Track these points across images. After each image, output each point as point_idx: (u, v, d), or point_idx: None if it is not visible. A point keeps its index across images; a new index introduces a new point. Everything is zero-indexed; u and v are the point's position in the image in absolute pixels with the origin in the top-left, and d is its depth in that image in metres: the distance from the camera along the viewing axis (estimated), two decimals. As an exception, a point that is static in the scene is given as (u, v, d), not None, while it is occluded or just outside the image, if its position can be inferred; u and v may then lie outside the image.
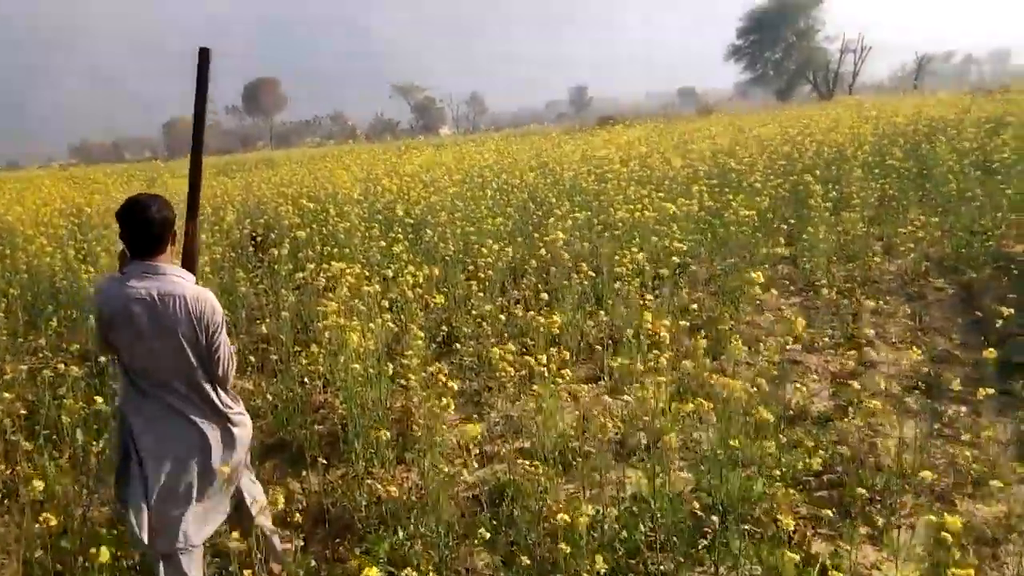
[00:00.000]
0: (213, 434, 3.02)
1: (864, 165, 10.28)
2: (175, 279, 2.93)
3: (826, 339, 6.19)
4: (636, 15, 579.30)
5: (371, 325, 5.02)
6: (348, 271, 5.44)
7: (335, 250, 7.53)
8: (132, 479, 2.96)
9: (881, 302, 6.86)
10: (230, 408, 3.11)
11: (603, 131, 23.14)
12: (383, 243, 7.59)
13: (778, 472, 4.02)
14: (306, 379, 5.55)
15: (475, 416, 5.43)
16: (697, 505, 3.78)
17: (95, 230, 9.39)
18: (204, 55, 3.22)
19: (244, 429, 3.17)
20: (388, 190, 10.17)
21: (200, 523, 3.04)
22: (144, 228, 2.89)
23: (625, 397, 5.56)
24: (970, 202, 8.72)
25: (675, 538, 3.66)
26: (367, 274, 5.91)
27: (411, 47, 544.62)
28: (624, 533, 3.72)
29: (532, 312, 5.86)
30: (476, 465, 4.81)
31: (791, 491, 3.71)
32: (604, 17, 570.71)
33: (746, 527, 3.74)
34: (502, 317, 6.51)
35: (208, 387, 3.01)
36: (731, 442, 3.96)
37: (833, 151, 11.64)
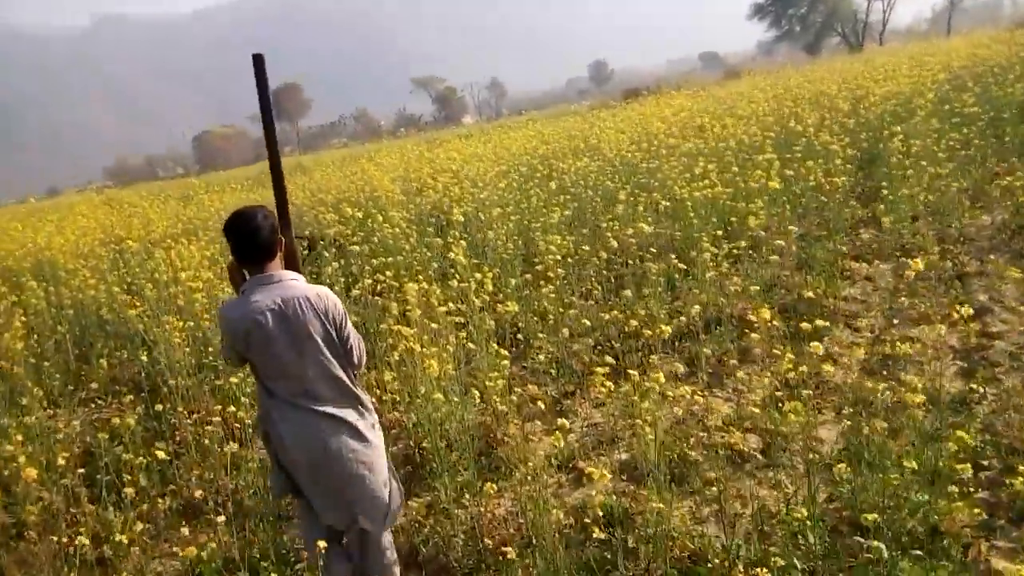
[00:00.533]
0: (359, 421, 3.10)
1: (935, 115, 9.53)
2: (292, 283, 3.02)
3: (933, 309, 5.58)
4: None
5: (448, 347, 4.58)
6: (412, 286, 5.00)
7: (387, 258, 7.09)
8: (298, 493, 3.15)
9: (986, 263, 6.23)
10: (366, 400, 3.19)
11: (635, 104, 22.31)
12: (438, 246, 7.16)
13: (930, 475, 3.49)
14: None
15: (559, 425, 4.99)
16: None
17: (136, 257, 9.10)
18: (259, 62, 3.26)
19: (375, 418, 3.24)
20: (432, 187, 9.71)
21: (375, 500, 3.15)
22: (253, 238, 2.98)
23: (723, 392, 5.05)
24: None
25: (832, 564, 3.17)
26: (426, 284, 5.46)
27: (425, 37, 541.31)
28: (773, 560, 3.22)
29: (612, 309, 5.38)
30: (571, 484, 4.37)
31: (956, 498, 3.20)
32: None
33: (913, 548, 3.20)
34: (572, 313, 6.06)
35: (347, 380, 3.08)
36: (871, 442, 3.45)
37: (895, 103, 10.89)
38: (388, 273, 6.57)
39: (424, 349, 4.33)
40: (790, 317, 5.78)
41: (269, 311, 2.92)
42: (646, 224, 6.70)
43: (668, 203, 7.35)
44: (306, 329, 2.95)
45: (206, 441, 4.94)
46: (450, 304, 5.07)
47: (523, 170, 10.26)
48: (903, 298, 5.80)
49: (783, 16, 60.68)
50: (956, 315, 5.39)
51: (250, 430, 4.98)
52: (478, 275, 5.40)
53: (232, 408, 4.81)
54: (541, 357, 5.64)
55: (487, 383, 4.48)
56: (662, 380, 4.82)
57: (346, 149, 53.25)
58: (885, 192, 7.37)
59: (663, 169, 8.53)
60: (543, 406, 4.92)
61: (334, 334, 3.03)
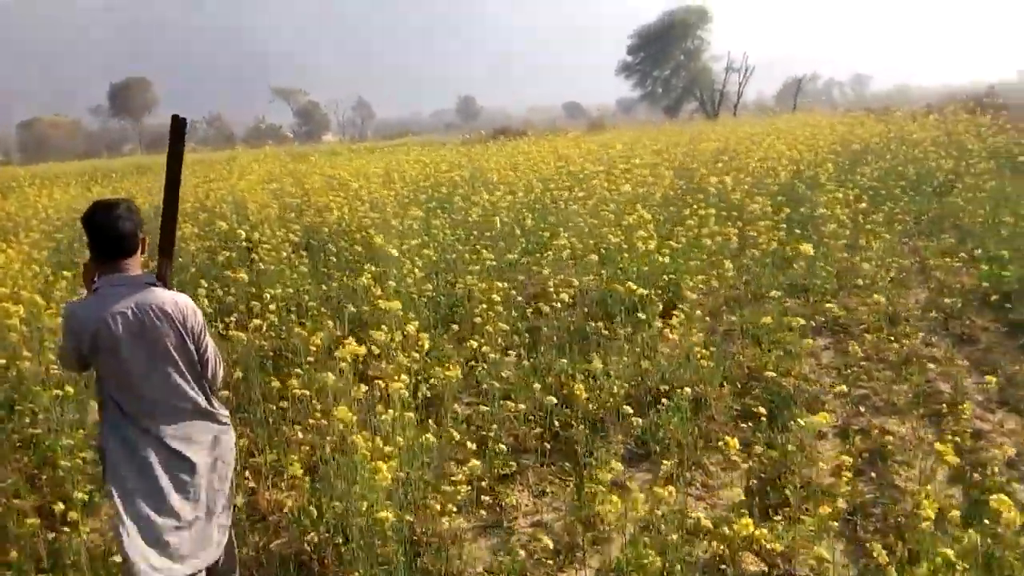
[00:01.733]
0: (201, 455, 2.89)
1: (841, 184, 9.53)
2: (149, 288, 2.83)
3: (898, 397, 5.13)
4: (522, 31, 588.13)
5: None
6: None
7: (273, 290, 5.81)
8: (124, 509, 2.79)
9: (929, 346, 5.93)
10: (220, 412, 3.01)
11: (516, 142, 21.87)
12: (346, 281, 5.99)
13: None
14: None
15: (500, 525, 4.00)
16: None
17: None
18: (178, 124, 2.97)
19: (231, 436, 3.07)
20: (314, 206, 8.47)
21: (196, 547, 2.87)
22: (111, 230, 2.78)
23: (693, 489, 4.26)
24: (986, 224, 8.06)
25: None
26: (332, 331, 4.36)
27: (290, 50, 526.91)
28: None
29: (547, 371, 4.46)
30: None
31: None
32: (490, 33, 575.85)
33: None
34: (503, 372, 5.14)
35: (201, 399, 2.91)
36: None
37: (792, 169, 10.92)
38: (272, 308, 5.36)
39: (363, 438, 3.22)
40: (743, 394, 5.17)
41: (120, 315, 2.73)
42: (581, 272, 5.90)
43: (602, 250, 6.63)
44: (161, 340, 2.79)
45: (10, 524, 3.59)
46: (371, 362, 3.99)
47: (425, 197, 9.26)
48: (861, 381, 5.34)
49: (648, 76, 63.67)
50: (923, 407, 5.01)
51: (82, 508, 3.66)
52: (409, 327, 4.33)
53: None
54: (462, 427, 4.64)
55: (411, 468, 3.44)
56: (619, 469, 4.03)
57: (196, 154, 49.61)
58: (814, 259, 7.04)
59: (590, 211, 7.82)
60: (470, 492, 3.93)
61: (191, 346, 2.86)
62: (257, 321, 5.00)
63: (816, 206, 8.30)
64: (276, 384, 4.52)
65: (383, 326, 4.32)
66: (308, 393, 4.26)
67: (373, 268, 5.88)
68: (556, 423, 4.73)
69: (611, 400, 4.90)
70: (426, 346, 4.42)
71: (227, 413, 3.07)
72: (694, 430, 4.61)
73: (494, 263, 6.44)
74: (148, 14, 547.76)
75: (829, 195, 8.57)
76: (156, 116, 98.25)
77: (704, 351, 5.13)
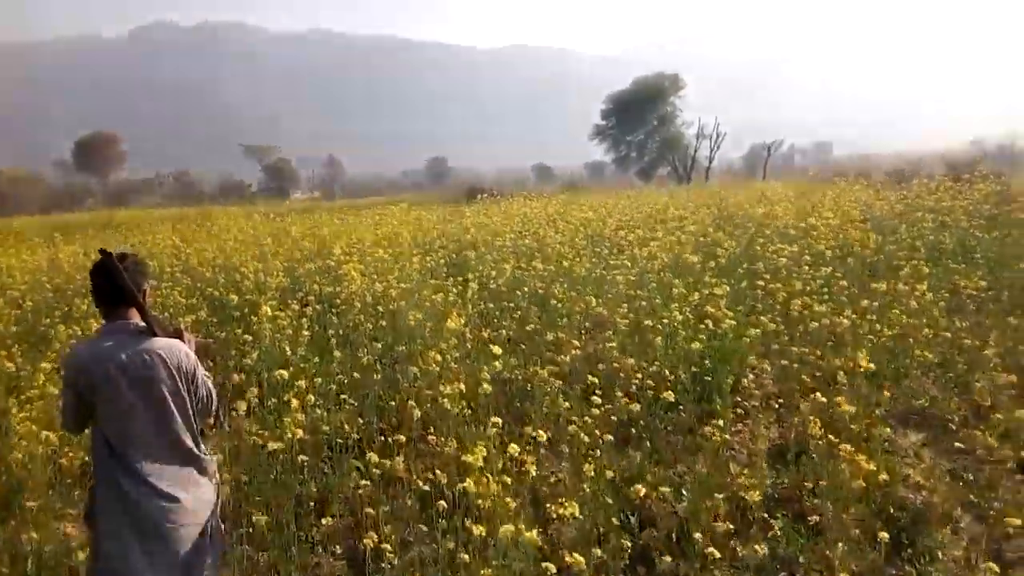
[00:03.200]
0: (185, 497, 2.93)
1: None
2: (147, 335, 2.92)
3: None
4: (498, 94, 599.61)
5: None
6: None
7: (288, 375, 4.90)
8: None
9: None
10: (206, 458, 3.07)
11: (507, 203, 21.30)
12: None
13: None
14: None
15: None
16: None
17: None
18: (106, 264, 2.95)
19: (215, 482, 3.11)
20: (316, 274, 7.59)
21: None
22: (113, 278, 2.88)
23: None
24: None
25: None
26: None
27: (258, 110, 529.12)
28: None
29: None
30: None
31: None
32: (467, 94, 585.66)
33: None
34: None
35: (192, 446, 3.00)
36: None
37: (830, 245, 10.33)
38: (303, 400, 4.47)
39: None
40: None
41: (118, 359, 2.84)
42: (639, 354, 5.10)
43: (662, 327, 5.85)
44: (158, 388, 2.88)
45: None
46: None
47: (437, 261, 8.45)
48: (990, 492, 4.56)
49: (621, 141, 64.48)
50: None
51: None
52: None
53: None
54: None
55: None
56: None
57: (164, 210, 48.35)
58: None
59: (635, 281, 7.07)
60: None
61: (184, 390, 2.96)
62: (298, 417, 4.07)
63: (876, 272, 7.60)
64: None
65: (478, 446, 3.46)
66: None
67: (422, 358, 5.03)
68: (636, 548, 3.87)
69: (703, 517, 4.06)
70: (532, 472, 3.55)
71: (214, 461, 3.13)
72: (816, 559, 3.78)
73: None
74: (116, 70, 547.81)
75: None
76: (123, 171, 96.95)
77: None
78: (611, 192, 32.05)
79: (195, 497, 2.96)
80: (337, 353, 5.69)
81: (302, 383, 4.82)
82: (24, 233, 20.55)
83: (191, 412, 2.99)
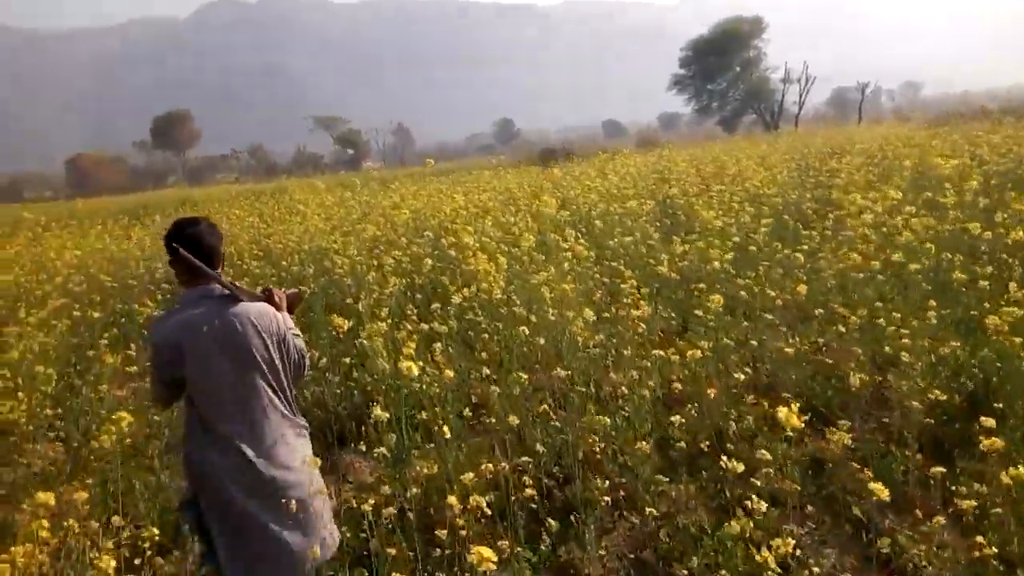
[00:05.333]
0: (283, 462, 2.86)
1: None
2: (233, 299, 2.85)
3: None
4: (558, 51, 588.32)
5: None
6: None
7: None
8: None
9: None
10: (299, 419, 3.02)
11: (611, 160, 19.32)
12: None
13: None
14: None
15: None
16: None
17: None
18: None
19: (308, 443, 3.04)
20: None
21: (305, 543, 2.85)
22: (195, 249, 2.81)
23: None
24: None
25: None
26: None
27: (323, 82, 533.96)
28: None
29: None
30: None
31: None
32: (527, 55, 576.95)
33: None
34: None
35: (285, 409, 2.94)
36: None
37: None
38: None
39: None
40: None
41: (207, 326, 2.77)
42: None
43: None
44: (247, 349, 2.82)
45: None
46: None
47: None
48: None
49: (702, 91, 61.03)
50: None
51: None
52: None
53: None
54: None
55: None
56: None
57: (238, 184, 48.14)
58: None
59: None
60: None
61: (277, 355, 2.89)
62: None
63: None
64: None
65: None
66: None
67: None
68: None
69: None
70: None
71: (306, 423, 3.05)
72: None
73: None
74: (187, 54, 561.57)
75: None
76: (198, 148, 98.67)
77: None
78: (702, 144, 29.52)
79: (292, 459, 2.87)
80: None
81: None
82: (100, 213, 19.94)
83: (284, 376, 2.93)
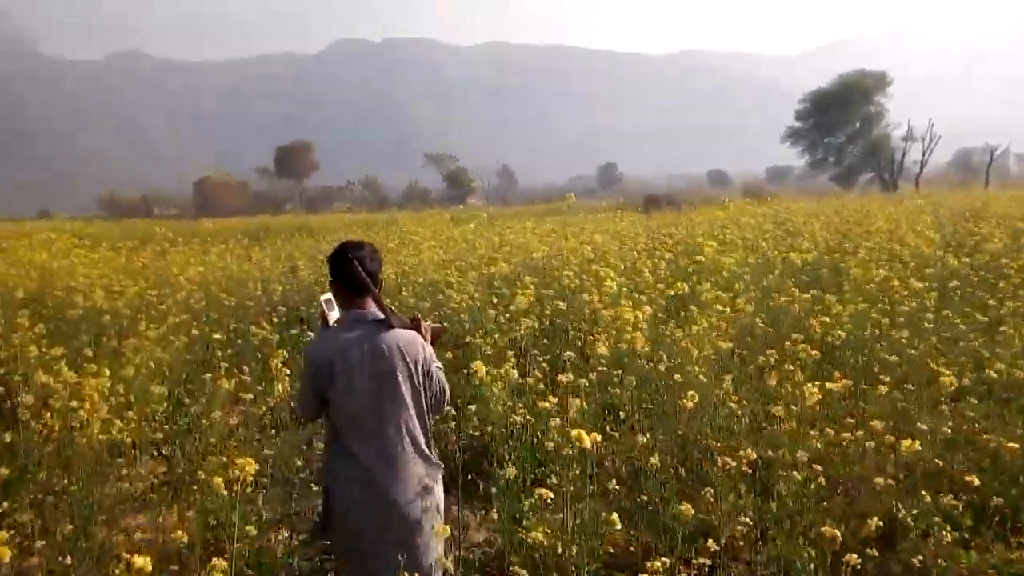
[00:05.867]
0: (423, 490, 2.87)
1: None
2: (386, 326, 2.87)
3: None
4: (666, 99, 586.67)
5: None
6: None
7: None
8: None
9: None
10: (434, 457, 2.97)
11: (720, 210, 18.60)
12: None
13: None
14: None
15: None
16: None
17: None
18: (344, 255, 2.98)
19: (440, 485, 2.99)
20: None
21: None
22: (357, 272, 2.86)
23: None
24: None
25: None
26: None
27: (437, 121, 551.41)
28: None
29: None
30: None
31: None
32: (634, 101, 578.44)
33: None
34: None
35: (423, 441, 2.91)
36: None
37: None
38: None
39: None
40: None
41: (357, 351, 2.80)
42: None
43: None
44: (393, 377, 2.82)
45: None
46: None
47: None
48: None
49: (818, 144, 59.07)
50: None
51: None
52: None
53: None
54: None
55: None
56: None
57: (351, 214, 49.63)
58: None
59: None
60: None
61: (420, 384, 2.89)
62: None
63: None
64: None
65: None
66: None
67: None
68: None
69: None
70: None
71: (440, 463, 3.01)
72: None
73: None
74: (311, 88, 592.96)
75: None
76: (316, 178, 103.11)
77: None
78: (818, 198, 28.10)
79: (416, 493, 2.83)
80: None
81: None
82: (223, 234, 20.72)
83: (425, 408, 2.91)
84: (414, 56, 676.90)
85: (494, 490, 4.39)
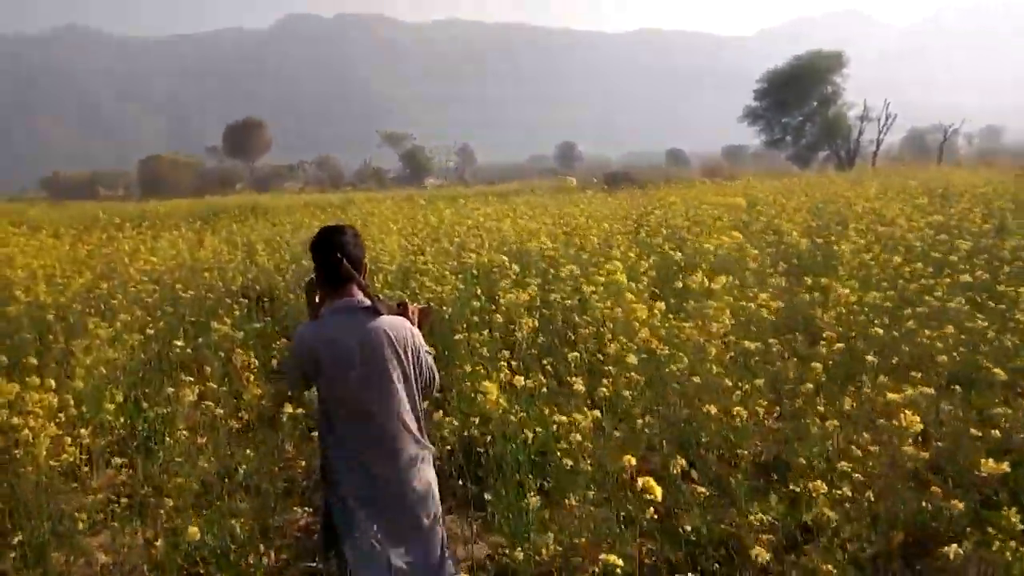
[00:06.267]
0: (416, 472, 2.87)
1: None
2: (373, 313, 2.85)
3: None
4: (622, 79, 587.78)
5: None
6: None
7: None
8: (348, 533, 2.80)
9: None
10: (426, 441, 2.96)
11: (687, 189, 18.42)
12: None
13: None
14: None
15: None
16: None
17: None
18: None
19: (431, 467, 2.99)
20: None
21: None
22: (336, 253, 2.82)
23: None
24: None
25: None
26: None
27: (393, 99, 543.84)
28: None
29: None
30: None
31: None
32: (590, 78, 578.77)
33: None
34: None
35: (415, 426, 2.90)
36: None
37: None
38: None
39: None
40: None
41: (346, 341, 2.78)
42: None
43: None
44: (384, 365, 2.81)
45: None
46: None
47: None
48: None
49: (776, 124, 59.59)
50: None
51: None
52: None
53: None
54: None
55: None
56: None
57: (305, 195, 48.50)
58: None
59: None
60: None
61: (411, 369, 2.88)
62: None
63: None
64: None
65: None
66: None
67: None
68: None
69: None
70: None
71: (432, 447, 3.01)
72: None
73: None
74: (260, 61, 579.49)
75: None
76: (269, 157, 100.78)
77: None
78: (779, 177, 28.21)
79: (411, 479, 2.82)
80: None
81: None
82: (173, 216, 19.90)
83: (416, 392, 2.89)
84: (367, 33, 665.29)
85: (487, 496, 4.06)
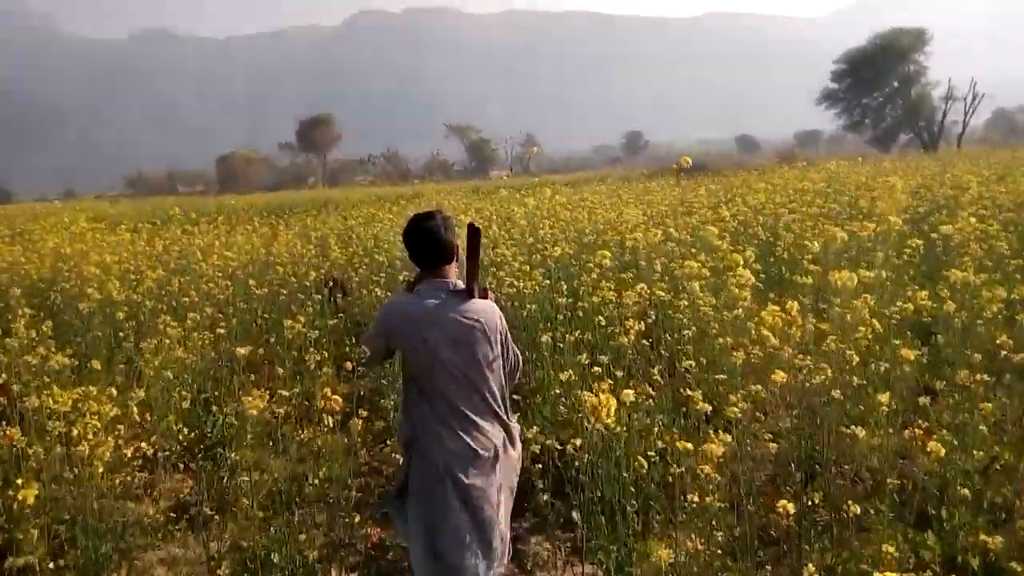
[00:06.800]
0: (494, 447, 2.86)
1: None
2: (466, 295, 2.88)
3: None
4: (691, 65, 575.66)
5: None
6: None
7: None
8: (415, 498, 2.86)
9: None
10: (512, 423, 2.99)
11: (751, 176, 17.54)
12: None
13: None
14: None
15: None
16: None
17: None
18: (474, 232, 2.98)
19: (518, 448, 3.02)
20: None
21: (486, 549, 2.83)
22: (428, 238, 2.90)
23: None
24: None
25: None
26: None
27: (459, 90, 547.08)
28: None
29: None
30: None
31: None
32: (656, 64, 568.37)
33: None
34: None
35: (499, 397, 2.93)
36: None
37: None
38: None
39: None
40: None
41: (438, 319, 2.81)
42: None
43: None
44: (473, 346, 2.84)
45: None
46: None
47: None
48: None
49: (855, 105, 56.91)
50: None
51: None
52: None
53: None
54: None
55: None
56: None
57: (376, 188, 48.85)
58: None
59: None
60: None
61: (499, 351, 2.92)
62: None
63: None
64: None
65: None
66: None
67: None
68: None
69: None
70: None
71: (518, 426, 3.04)
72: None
73: None
74: (335, 61, 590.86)
75: None
76: (340, 151, 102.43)
77: None
78: (869, 163, 26.73)
79: (496, 457, 2.83)
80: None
81: None
82: (249, 210, 20.12)
83: (503, 376, 2.93)
84: (434, 25, 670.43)
85: (576, 515, 3.67)
